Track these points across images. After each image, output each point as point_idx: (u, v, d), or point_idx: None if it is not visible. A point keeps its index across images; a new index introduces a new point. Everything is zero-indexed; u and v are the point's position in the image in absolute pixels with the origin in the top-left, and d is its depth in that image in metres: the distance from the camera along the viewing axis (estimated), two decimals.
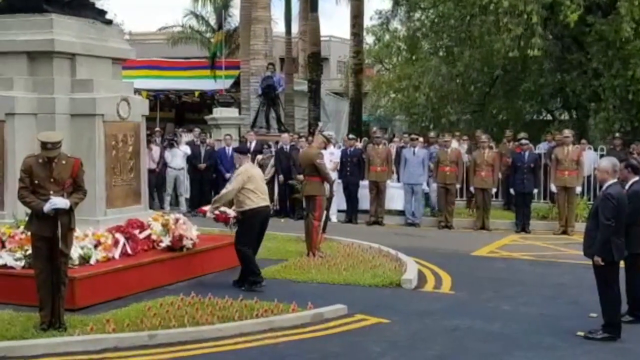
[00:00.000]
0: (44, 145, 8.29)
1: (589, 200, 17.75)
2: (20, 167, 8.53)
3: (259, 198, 11.02)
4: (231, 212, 11.17)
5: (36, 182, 8.29)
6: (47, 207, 8.16)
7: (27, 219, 8.87)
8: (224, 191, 11.26)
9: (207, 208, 11.36)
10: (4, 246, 9.98)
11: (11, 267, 9.65)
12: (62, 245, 8.26)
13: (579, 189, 17.46)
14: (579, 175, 17.25)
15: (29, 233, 8.87)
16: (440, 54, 27.20)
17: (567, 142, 17.33)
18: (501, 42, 22.07)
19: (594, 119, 23.66)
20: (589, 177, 18.42)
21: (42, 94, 10.77)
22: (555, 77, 24.63)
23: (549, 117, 29.04)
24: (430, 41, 27.81)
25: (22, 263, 9.60)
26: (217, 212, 11.16)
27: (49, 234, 8.21)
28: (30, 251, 9.05)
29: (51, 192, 8.26)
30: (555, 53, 24.21)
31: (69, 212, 8.35)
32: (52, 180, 8.31)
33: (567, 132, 17.88)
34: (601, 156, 17.24)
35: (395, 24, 30.27)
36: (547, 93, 25.87)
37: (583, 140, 20.22)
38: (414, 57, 28.91)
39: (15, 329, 8.31)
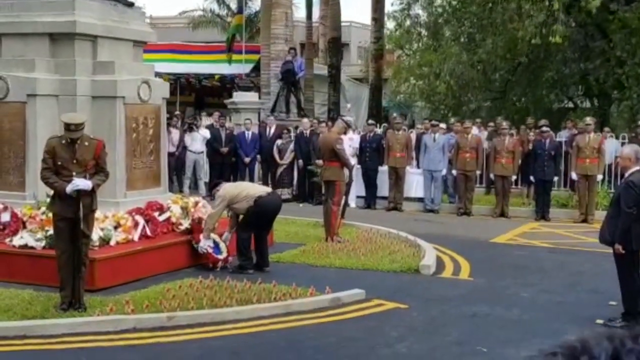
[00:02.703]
0: (68, 126, 8.34)
1: (610, 188, 17.64)
2: (44, 148, 8.60)
3: (255, 191, 11.06)
4: (224, 252, 11.03)
5: (59, 163, 8.35)
6: (69, 188, 8.21)
7: (48, 200, 8.94)
8: (210, 213, 11.11)
9: (202, 236, 10.92)
10: (24, 227, 10.07)
11: (32, 248, 9.73)
12: (83, 227, 8.32)
13: (599, 177, 17.35)
14: (599, 163, 17.13)
15: (49, 214, 8.94)
16: (462, 40, 27.02)
17: (588, 130, 17.21)
18: (524, 29, 21.89)
19: (617, 108, 23.46)
20: (609, 165, 18.30)
21: (63, 76, 10.81)
22: (578, 65, 24.43)
23: (571, 104, 28.84)
24: (452, 27, 27.64)
25: (43, 243, 9.68)
26: (209, 248, 10.91)
27: (71, 214, 8.27)
28: (50, 232, 9.13)
29: (74, 174, 8.32)
30: (579, 41, 24.01)
31: (91, 194, 8.41)
32: (74, 161, 8.36)
33: (589, 120, 17.75)
34: (622, 144, 17.13)
35: (416, 10, 30.11)
36: (570, 82, 25.67)
37: (606, 129, 20.05)
38: (435, 44, 28.74)
39: (36, 308, 8.39)
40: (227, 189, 11.10)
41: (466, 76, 25.92)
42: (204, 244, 10.86)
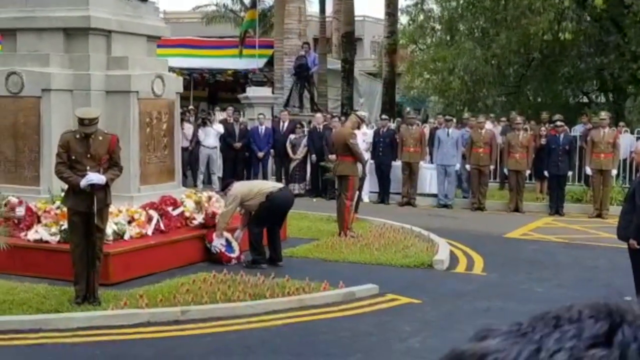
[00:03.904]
0: (82, 121, 8.38)
1: (624, 183, 17.56)
2: (58, 142, 8.63)
3: (266, 187, 11.06)
4: (236, 250, 11.05)
5: (73, 157, 8.38)
6: (83, 183, 8.24)
7: (62, 194, 8.98)
8: (223, 212, 11.07)
9: (214, 235, 10.93)
10: (39, 221, 10.12)
11: (46, 242, 9.78)
12: (97, 221, 8.35)
13: (614, 172, 17.27)
14: (614, 158, 17.04)
15: (64, 208, 8.98)
16: (476, 34, 26.92)
17: (603, 125, 17.13)
18: (536, 25, 21.78)
19: (632, 102, 23.32)
20: (624, 160, 18.22)
21: (77, 71, 10.86)
22: (594, 60, 24.30)
23: (585, 99, 28.69)
24: (466, 22, 27.54)
25: (57, 238, 9.73)
26: (222, 247, 10.92)
27: (85, 209, 8.30)
28: (65, 226, 9.17)
29: (88, 168, 8.35)
30: (594, 36, 23.87)
31: (105, 188, 8.44)
32: (88, 156, 8.40)
33: (604, 115, 17.67)
34: (637, 139, 17.05)
35: (430, 4, 30.02)
36: (586, 77, 25.54)
37: (621, 123, 19.96)
38: (449, 39, 28.64)
39: (50, 302, 8.43)
40: (239, 187, 11.11)
41: (480, 71, 25.84)
42: (217, 243, 10.87)
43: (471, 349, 0.70)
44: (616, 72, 23.27)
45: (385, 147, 18.64)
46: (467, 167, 18.10)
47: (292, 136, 19.65)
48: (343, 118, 19.44)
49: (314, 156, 19.23)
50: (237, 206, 10.94)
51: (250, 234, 10.94)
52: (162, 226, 10.79)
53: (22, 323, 7.80)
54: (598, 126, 17.35)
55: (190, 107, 22.62)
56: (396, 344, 7.65)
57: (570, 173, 17.94)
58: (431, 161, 18.85)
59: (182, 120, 16.08)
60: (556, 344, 0.67)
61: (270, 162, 20.36)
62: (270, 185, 11.42)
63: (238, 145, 19.67)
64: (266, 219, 10.95)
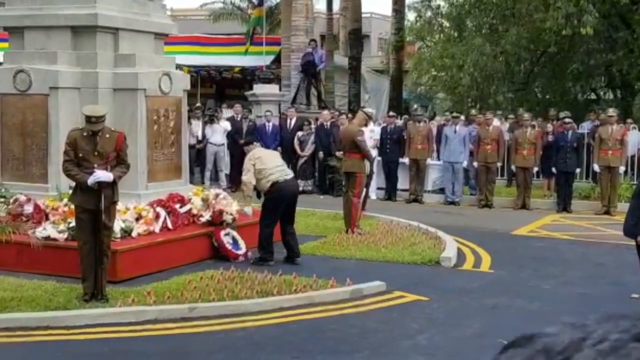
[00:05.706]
0: (89, 118, 8.40)
1: (632, 180, 17.51)
2: (65, 140, 8.66)
3: (275, 173, 11.01)
4: (242, 247, 11.06)
5: (80, 155, 8.40)
6: (90, 180, 8.27)
7: (70, 191, 9.00)
8: (244, 179, 11.10)
9: (222, 233, 11.03)
10: (47, 218, 10.14)
11: (54, 239, 9.80)
12: (105, 218, 8.37)
13: (622, 169, 17.23)
14: (622, 155, 17.00)
15: (72, 205, 9.01)
16: (484, 31, 26.86)
17: (611, 122, 17.08)
18: (552, 19, 21.67)
19: None
20: (632, 157, 18.16)
21: (85, 68, 10.87)
22: (602, 56, 24.22)
23: (593, 96, 28.61)
24: (474, 19, 27.48)
25: (65, 235, 9.75)
26: (228, 244, 10.96)
27: (93, 206, 8.32)
28: (73, 223, 9.20)
29: (95, 165, 8.37)
30: (603, 32, 23.79)
31: (112, 185, 8.46)
32: (96, 153, 8.42)
33: (612, 111, 17.61)
34: None
35: (437, 1, 30.00)
36: (596, 74, 25.46)
37: (629, 120, 19.89)
38: (457, 35, 28.58)
39: (58, 299, 8.46)
40: (256, 155, 11.07)
41: (490, 68, 25.78)
42: (223, 233, 10.90)
43: None
44: (625, 68, 23.21)
45: (393, 144, 18.63)
46: (475, 164, 18.08)
47: (299, 133, 19.65)
48: (350, 115, 19.43)
49: (321, 153, 19.24)
50: (251, 167, 10.91)
51: (260, 232, 10.92)
52: (169, 223, 10.80)
53: (30, 320, 7.83)
54: (606, 123, 17.30)
55: (198, 104, 22.63)
56: (403, 341, 7.66)
57: (578, 170, 17.90)
58: (438, 158, 18.84)
59: (189, 117, 16.10)
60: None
61: None
62: (279, 171, 11.21)
63: (243, 141, 19.64)
64: (273, 212, 10.90)
